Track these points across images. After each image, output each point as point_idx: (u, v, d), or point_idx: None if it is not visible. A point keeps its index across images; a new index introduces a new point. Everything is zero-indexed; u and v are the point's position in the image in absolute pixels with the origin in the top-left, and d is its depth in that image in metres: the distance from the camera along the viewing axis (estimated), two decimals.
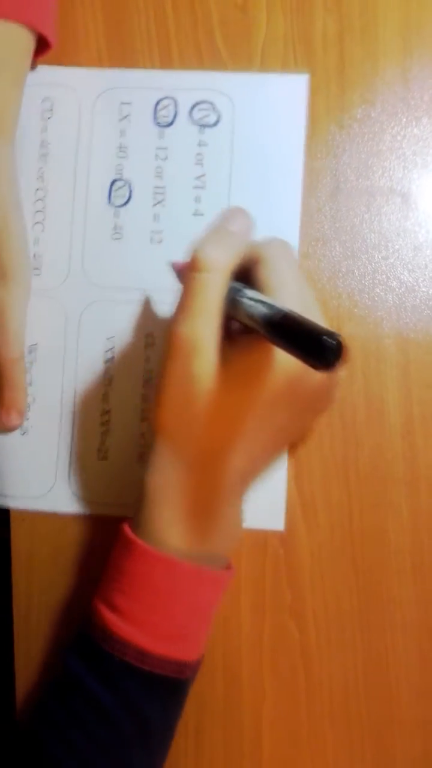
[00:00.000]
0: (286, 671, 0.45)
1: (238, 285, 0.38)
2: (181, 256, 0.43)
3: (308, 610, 0.45)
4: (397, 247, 0.46)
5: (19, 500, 0.47)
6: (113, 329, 0.47)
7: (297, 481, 0.44)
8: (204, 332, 0.37)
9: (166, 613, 0.39)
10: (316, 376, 0.38)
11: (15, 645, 0.46)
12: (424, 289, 0.45)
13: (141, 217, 0.47)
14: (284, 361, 0.37)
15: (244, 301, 0.36)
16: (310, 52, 0.46)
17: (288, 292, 0.37)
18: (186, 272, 0.37)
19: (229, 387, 0.37)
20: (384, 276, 0.46)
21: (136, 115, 0.48)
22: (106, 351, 0.47)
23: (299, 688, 0.45)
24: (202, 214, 0.47)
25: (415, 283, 0.45)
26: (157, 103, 0.47)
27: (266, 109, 0.47)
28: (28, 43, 0.44)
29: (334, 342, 0.30)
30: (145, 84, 0.48)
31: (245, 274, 0.38)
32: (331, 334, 0.31)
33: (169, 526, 0.39)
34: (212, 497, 0.39)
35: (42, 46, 0.46)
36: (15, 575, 0.47)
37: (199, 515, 0.39)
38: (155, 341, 0.47)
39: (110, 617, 0.38)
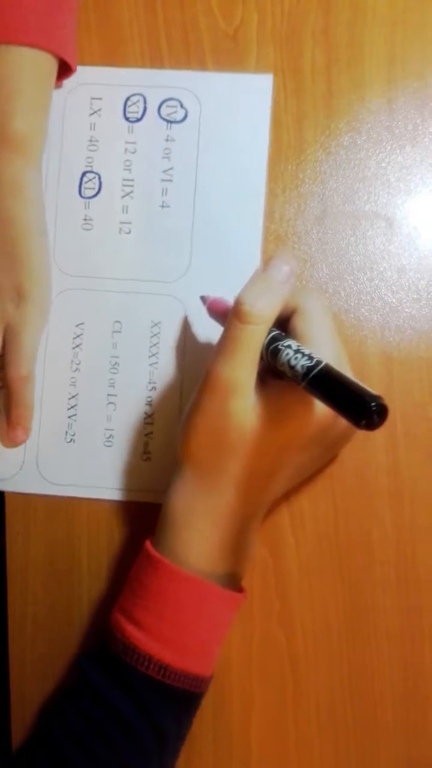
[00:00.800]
0: (274, 678, 0.46)
1: (276, 333, 0.40)
2: (147, 247, 0.47)
3: (296, 618, 0.46)
4: (381, 269, 0.47)
5: None
6: (82, 316, 0.49)
7: (285, 494, 0.45)
8: (244, 376, 0.39)
9: (189, 630, 0.40)
10: (343, 423, 0.40)
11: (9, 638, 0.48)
12: (407, 310, 0.47)
13: (110, 209, 0.49)
14: (319, 410, 0.39)
15: (285, 351, 0.38)
16: (298, 81, 0.48)
17: (324, 344, 0.39)
18: (232, 320, 0.39)
19: (263, 427, 0.39)
20: (369, 297, 0.47)
21: (106, 110, 0.50)
22: (75, 338, 0.49)
23: (287, 694, 0.46)
24: (169, 206, 0.49)
25: (398, 304, 0.47)
26: (127, 99, 0.49)
27: (231, 107, 0.49)
28: (53, 68, 0.46)
29: (379, 405, 0.33)
30: (115, 81, 0.50)
31: (280, 319, 0.40)
32: (374, 397, 0.33)
33: (191, 547, 0.41)
34: (233, 523, 0.41)
35: (62, 71, 0.47)
36: (9, 580, 0.48)
37: (220, 539, 0.41)
38: (122, 328, 0.49)
39: (133, 632, 0.40)
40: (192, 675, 0.41)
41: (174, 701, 0.41)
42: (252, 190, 0.48)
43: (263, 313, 0.38)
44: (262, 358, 0.40)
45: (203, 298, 0.46)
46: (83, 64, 0.49)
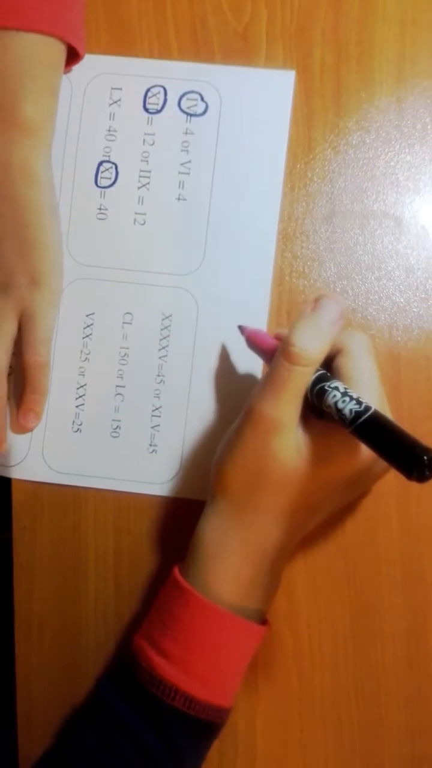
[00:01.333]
0: (279, 675, 0.46)
1: (321, 372, 0.40)
2: (161, 239, 0.47)
3: (302, 617, 0.46)
4: (389, 268, 0.47)
5: None
6: (93, 306, 0.49)
7: None
8: (289, 415, 0.39)
9: (216, 664, 0.41)
10: (382, 465, 0.40)
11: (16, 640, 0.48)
12: (415, 310, 0.47)
13: (126, 199, 0.49)
14: (361, 453, 0.39)
15: (332, 393, 0.38)
16: (308, 80, 0.48)
17: (369, 387, 0.40)
18: (280, 360, 0.39)
19: (306, 466, 0.39)
20: (377, 296, 0.47)
21: (126, 100, 0.49)
22: (85, 327, 0.49)
23: (292, 693, 0.46)
24: (185, 199, 0.49)
25: (406, 304, 0.47)
26: (147, 91, 0.49)
27: (252, 102, 0.49)
28: (62, 54, 0.46)
29: (431, 458, 0.33)
30: (136, 71, 0.49)
31: (327, 360, 0.40)
32: (426, 450, 0.33)
33: (223, 582, 0.41)
34: (267, 559, 0.41)
35: (71, 57, 0.47)
36: (16, 580, 0.48)
37: (252, 574, 0.41)
38: (133, 320, 0.49)
39: (160, 662, 0.40)
40: (216, 706, 0.40)
41: (197, 732, 0.41)
42: (269, 187, 0.48)
43: (313, 355, 0.38)
44: (305, 397, 0.40)
45: (241, 328, 0.46)
46: (102, 53, 0.49)
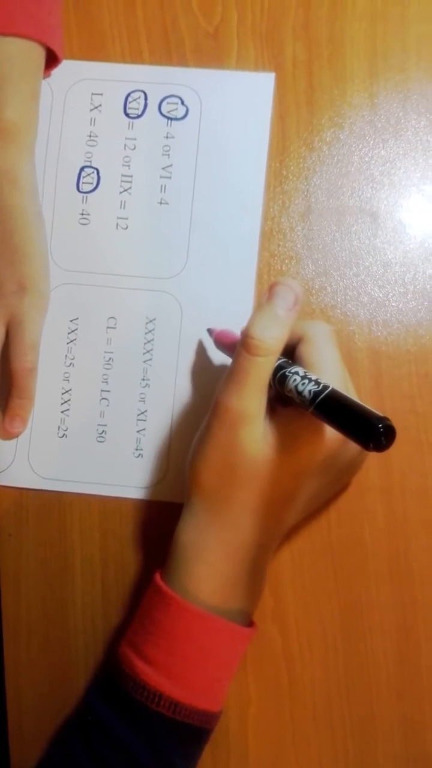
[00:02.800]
0: (269, 675, 0.46)
1: (283, 360, 0.40)
2: (144, 243, 0.47)
3: (290, 615, 0.46)
4: (367, 264, 0.47)
5: None
6: (77, 311, 0.49)
7: None
8: (254, 406, 0.39)
9: (200, 667, 0.40)
10: (353, 447, 0.40)
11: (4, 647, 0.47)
12: (393, 304, 0.47)
13: (108, 204, 0.49)
14: (328, 435, 0.39)
15: (292, 377, 0.38)
16: (280, 78, 0.48)
17: (330, 370, 0.40)
18: (240, 352, 0.39)
19: (275, 455, 0.39)
20: (355, 292, 0.47)
21: (106, 105, 0.49)
22: (69, 332, 0.49)
23: (283, 691, 0.46)
24: (167, 203, 0.49)
25: (385, 299, 0.47)
26: (128, 96, 0.49)
27: (232, 105, 0.49)
28: (41, 58, 0.46)
29: (386, 426, 0.33)
30: (116, 77, 0.50)
31: (286, 348, 0.40)
32: (381, 419, 0.33)
33: (203, 582, 0.41)
34: (247, 556, 0.41)
35: (49, 61, 0.47)
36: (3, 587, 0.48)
37: (233, 573, 0.41)
38: (117, 324, 0.48)
39: (143, 668, 0.40)
40: (202, 711, 0.40)
41: (184, 738, 0.40)
42: (251, 189, 0.48)
43: (271, 344, 0.38)
44: (270, 386, 0.40)
45: (210, 331, 0.46)
46: (78, 58, 0.49)
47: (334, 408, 0.36)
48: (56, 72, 0.49)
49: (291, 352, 0.41)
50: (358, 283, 0.47)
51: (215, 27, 0.49)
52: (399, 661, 0.45)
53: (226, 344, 0.45)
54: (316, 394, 0.36)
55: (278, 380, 0.39)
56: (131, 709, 0.40)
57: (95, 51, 0.50)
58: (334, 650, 0.46)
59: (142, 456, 0.48)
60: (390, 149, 0.48)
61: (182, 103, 0.49)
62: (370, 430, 0.33)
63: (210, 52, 0.49)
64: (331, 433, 0.39)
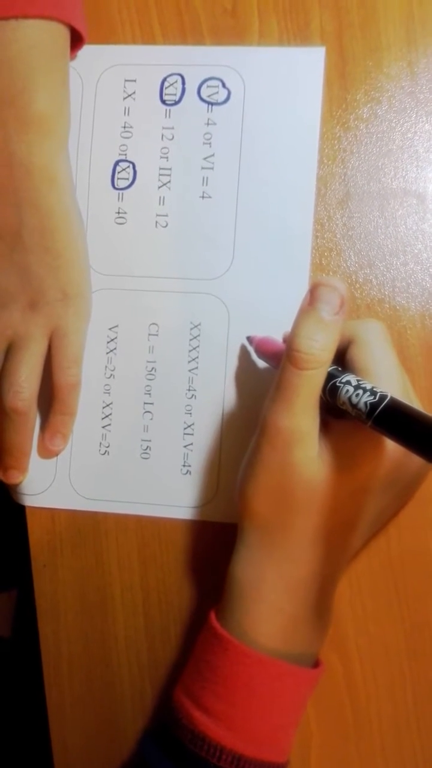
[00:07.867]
0: (332, 708, 0.42)
1: (333, 368, 0.36)
2: (186, 241, 0.44)
3: (351, 642, 0.42)
4: (416, 251, 0.43)
5: (18, 496, 0.46)
6: (116, 319, 0.46)
7: None
8: (306, 424, 0.35)
9: (264, 717, 0.37)
10: (418, 459, 0.36)
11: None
12: None
13: (146, 201, 0.46)
14: (389, 448, 0.35)
15: (344, 388, 0.34)
16: None
17: (386, 375, 0.36)
18: (286, 366, 0.35)
19: (333, 476, 0.35)
20: (404, 283, 0.43)
21: (141, 92, 0.46)
22: (109, 342, 0.45)
23: (347, 725, 0.42)
24: (210, 197, 0.45)
25: None
26: (164, 80, 0.46)
27: (279, 85, 0.44)
28: (67, 40, 0.43)
29: None
30: (150, 60, 0.46)
31: (335, 353, 0.36)
32: None
33: (262, 624, 0.37)
34: (310, 590, 0.37)
35: (73, 42, 0.44)
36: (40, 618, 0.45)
37: (296, 611, 0.37)
38: (159, 331, 0.45)
39: (203, 720, 0.36)
40: (267, 763, 0.37)
41: None
42: (302, 178, 0.44)
43: (320, 355, 0.35)
44: (321, 398, 0.36)
45: (249, 339, 0.43)
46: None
47: (395, 420, 0.32)
48: (85, 59, 0.45)
49: (340, 357, 0.37)
50: (407, 273, 0.43)
51: (233, 3, 0.45)
52: None
53: (269, 354, 0.41)
54: (374, 406, 0.32)
55: (329, 391, 0.35)
56: (191, 762, 0.36)
57: (104, 35, 0.46)
58: (401, 679, 0.42)
59: (190, 473, 0.44)
60: None
61: (223, 85, 0.45)
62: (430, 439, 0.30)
63: (229, 30, 0.45)
64: (392, 445, 0.35)
